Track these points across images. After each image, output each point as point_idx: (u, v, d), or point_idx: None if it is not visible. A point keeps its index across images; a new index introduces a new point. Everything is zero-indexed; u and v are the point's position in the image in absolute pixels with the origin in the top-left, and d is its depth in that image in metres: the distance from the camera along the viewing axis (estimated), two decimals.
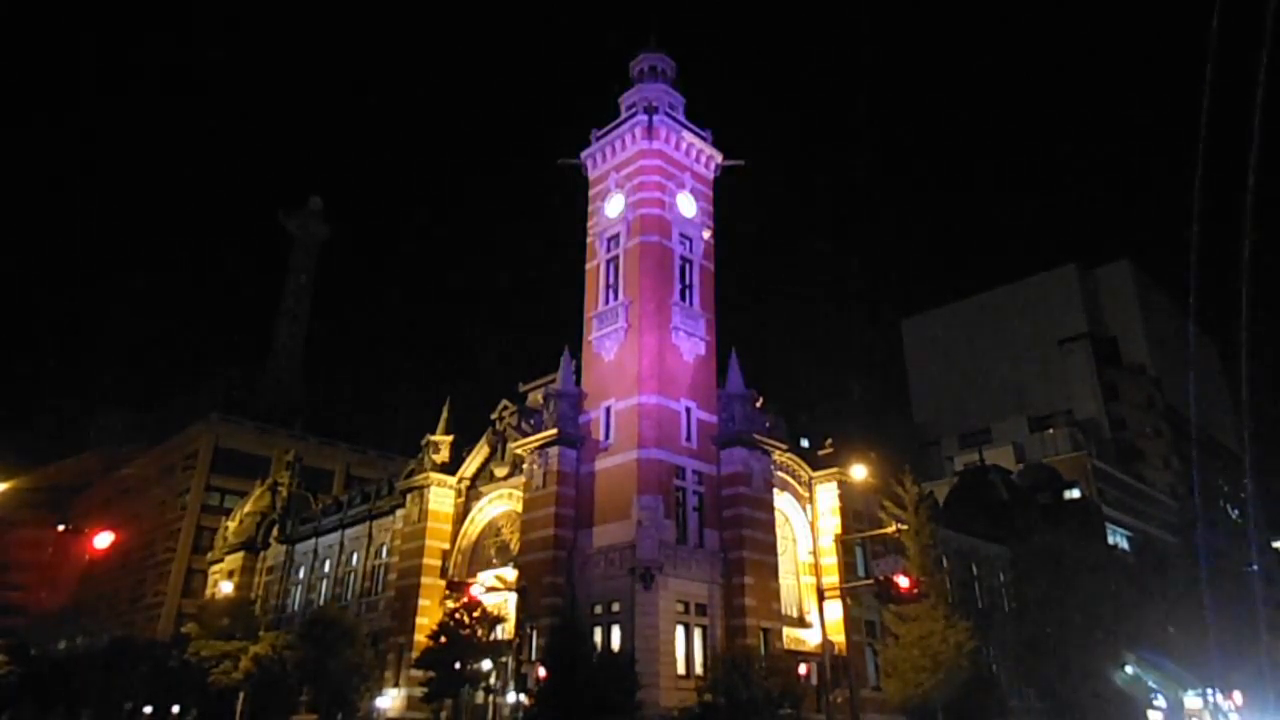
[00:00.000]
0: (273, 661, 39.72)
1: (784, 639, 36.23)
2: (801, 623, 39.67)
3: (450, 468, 45.76)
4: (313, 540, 55.69)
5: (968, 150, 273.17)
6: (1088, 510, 70.92)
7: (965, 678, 35.71)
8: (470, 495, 45.19)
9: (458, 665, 33.66)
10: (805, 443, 44.21)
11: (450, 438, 46.60)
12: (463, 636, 33.92)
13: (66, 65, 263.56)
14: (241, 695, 41.75)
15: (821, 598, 38.13)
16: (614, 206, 43.11)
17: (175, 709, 49.32)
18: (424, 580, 43.37)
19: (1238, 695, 46.61)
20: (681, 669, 33.42)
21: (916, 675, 35.14)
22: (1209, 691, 46.14)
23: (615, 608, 34.52)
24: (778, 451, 40.10)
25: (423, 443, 46.78)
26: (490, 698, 36.67)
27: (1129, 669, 44.96)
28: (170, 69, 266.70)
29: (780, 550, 39.42)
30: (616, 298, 40.88)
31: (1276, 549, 75.81)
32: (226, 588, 58.39)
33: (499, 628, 36.39)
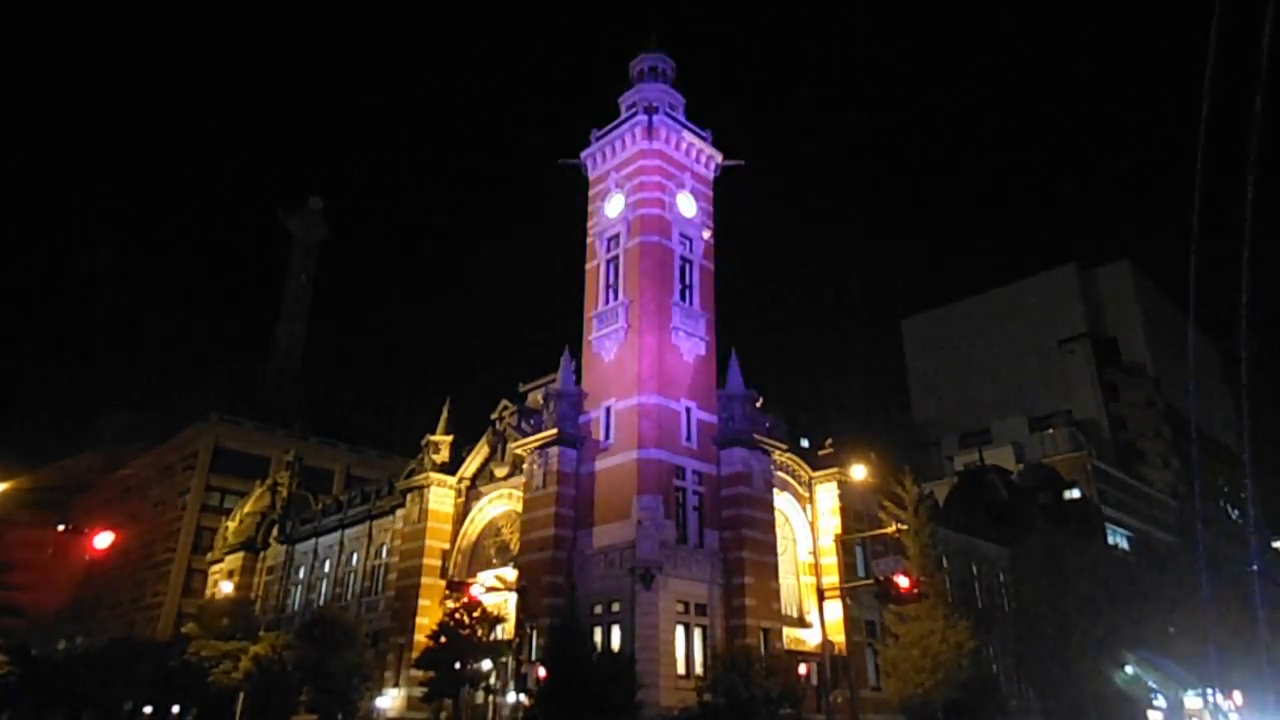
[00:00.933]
0: (273, 661, 39.71)
1: (784, 639, 36.22)
2: (801, 623, 39.67)
3: (450, 468, 45.77)
4: (313, 540, 55.69)
5: (968, 150, 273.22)
6: (1088, 510, 70.91)
7: (965, 678, 35.74)
8: (470, 495, 45.20)
9: (458, 665, 33.66)
10: (805, 443, 44.20)
11: (450, 438, 46.61)
12: (463, 636, 33.91)
13: (67, 65, 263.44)
14: (241, 695, 41.71)
15: (821, 598, 38.16)
16: (614, 206, 43.14)
17: (175, 709, 49.28)
18: (424, 580, 43.37)
19: (1238, 695, 46.60)
20: (681, 669, 33.42)
21: (916, 675, 35.16)
22: (1209, 691, 46.15)
23: (615, 608, 34.54)
24: (778, 451, 40.10)
25: (423, 443, 46.79)
26: (490, 698, 36.67)
27: (1129, 669, 45.03)
28: (170, 69, 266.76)
29: (780, 550, 39.42)
30: (616, 298, 40.89)
31: (1276, 549, 75.84)
32: (226, 588, 58.39)
33: (499, 628, 36.37)
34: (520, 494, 40.40)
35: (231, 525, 65.48)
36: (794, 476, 42.28)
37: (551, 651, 30.85)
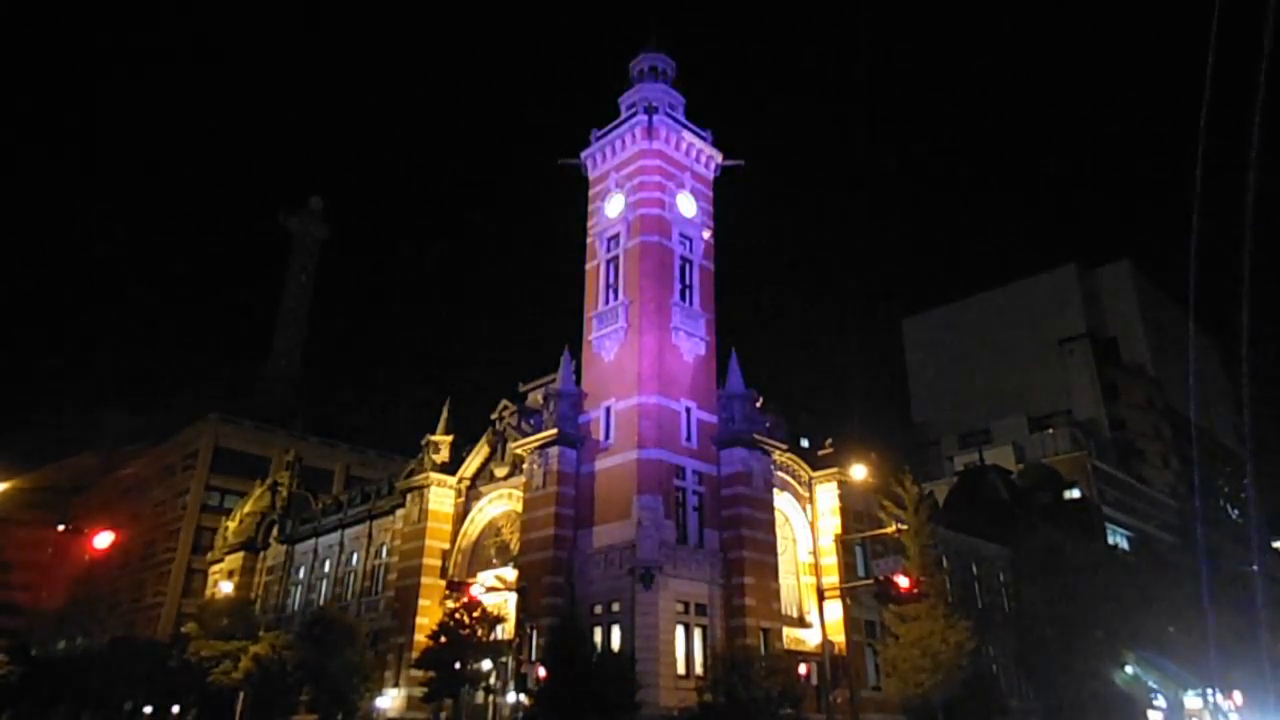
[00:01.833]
0: (273, 661, 39.71)
1: (784, 639, 36.18)
2: (801, 623, 39.64)
3: (450, 468, 45.74)
4: (313, 540, 55.66)
5: (968, 150, 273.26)
6: (1088, 510, 70.90)
7: (965, 678, 35.71)
8: (470, 495, 45.17)
9: (458, 665, 33.64)
10: (805, 443, 44.16)
11: (450, 438, 46.58)
12: (463, 636, 33.89)
13: (67, 65, 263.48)
14: (241, 695, 41.73)
15: (821, 598, 38.14)
16: (614, 206, 43.12)
17: (175, 709, 49.29)
18: (424, 580, 43.34)
19: (1238, 695, 46.60)
20: (681, 669, 33.39)
21: (916, 675, 35.13)
22: (1209, 691, 46.13)
23: (615, 608, 34.51)
24: (778, 451, 40.08)
25: (423, 443, 46.75)
26: (490, 698, 36.65)
27: (1129, 669, 45.01)
28: (170, 69, 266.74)
29: (780, 550, 39.38)
30: (616, 298, 40.87)
31: (1276, 549, 75.88)
32: (226, 588, 58.35)
33: (499, 628, 36.36)
34: (520, 494, 40.37)
35: (231, 525, 65.44)
36: (794, 476, 42.25)
37: (551, 651, 30.83)
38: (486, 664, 34.63)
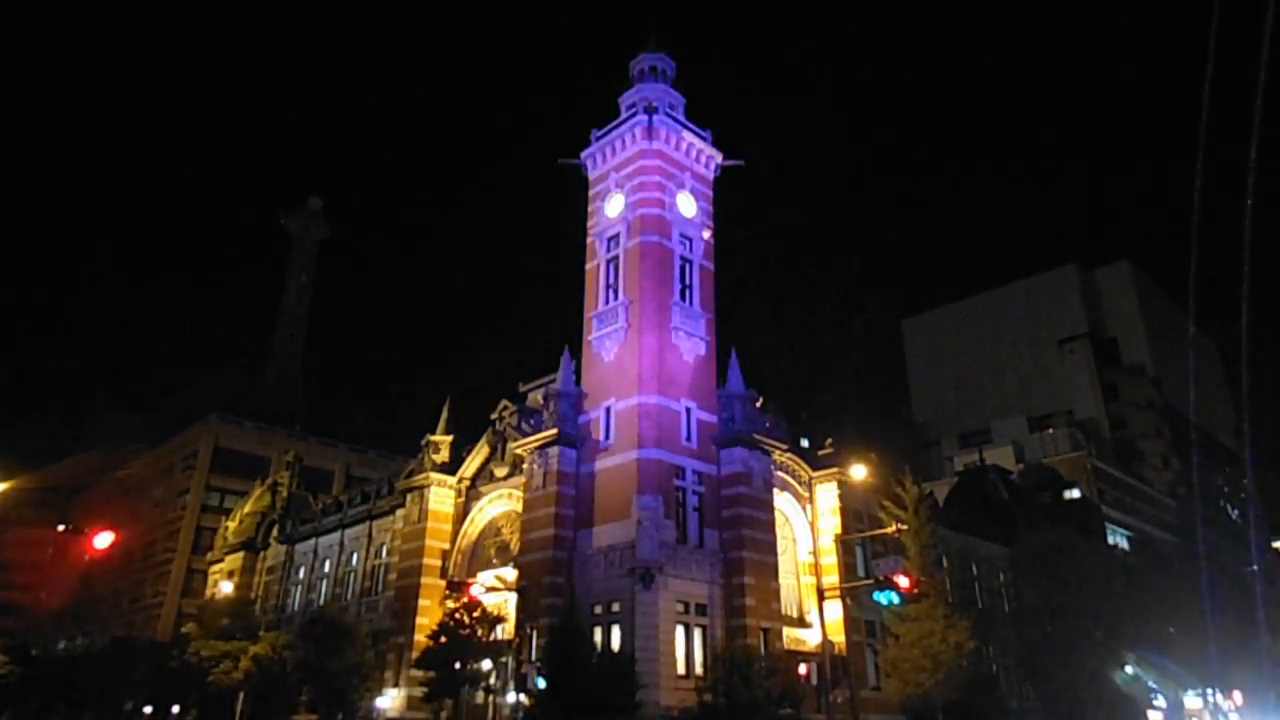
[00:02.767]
0: (273, 661, 39.69)
1: (784, 639, 36.21)
2: (801, 623, 39.65)
3: (450, 468, 45.74)
4: (313, 540, 55.66)
5: (968, 150, 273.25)
6: (1088, 510, 70.91)
7: (965, 678, 35.70)
8: (470, 495, 45.17)
9: (458, 665, 33.65)
10: (805, 443, 44.18)
11: (450, 438, 46.58)
12: (463, 636, 33.90)
13: (67, 65, 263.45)
14: (241, 695, 41.69)
15: (821, 598, 38.11)
16: (614, 206, 43.12)
17: (175, 709, 49.26)
18: (424, 580, 43.35)
19: (1238, 695, 46.59)
20: (681, 669, 33.40)
21: (916, 675, 35.13)
22: (1209, 691, 46.12)
23: (615, 608, 34.52)
24: (778, 451, 40.08)
25: (423, 443, 46.75)
26: (490, 698, 36.65)
27: (1129, 669, 44.96)
28: (170, 69, 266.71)
29: (780, 550, 39.40)
30: (616, 298, 40.87)
31: (1276, 549, 75.86)
32: (226, 588, 58.37)
33: (499, 628, 36.36)
34: (520, 494, 40.37)
35: (231, 525, 65.45)
36: (794, 476, 42.25)
37: (551, 651, 30.84)
38: (486, 664, 34.63)
